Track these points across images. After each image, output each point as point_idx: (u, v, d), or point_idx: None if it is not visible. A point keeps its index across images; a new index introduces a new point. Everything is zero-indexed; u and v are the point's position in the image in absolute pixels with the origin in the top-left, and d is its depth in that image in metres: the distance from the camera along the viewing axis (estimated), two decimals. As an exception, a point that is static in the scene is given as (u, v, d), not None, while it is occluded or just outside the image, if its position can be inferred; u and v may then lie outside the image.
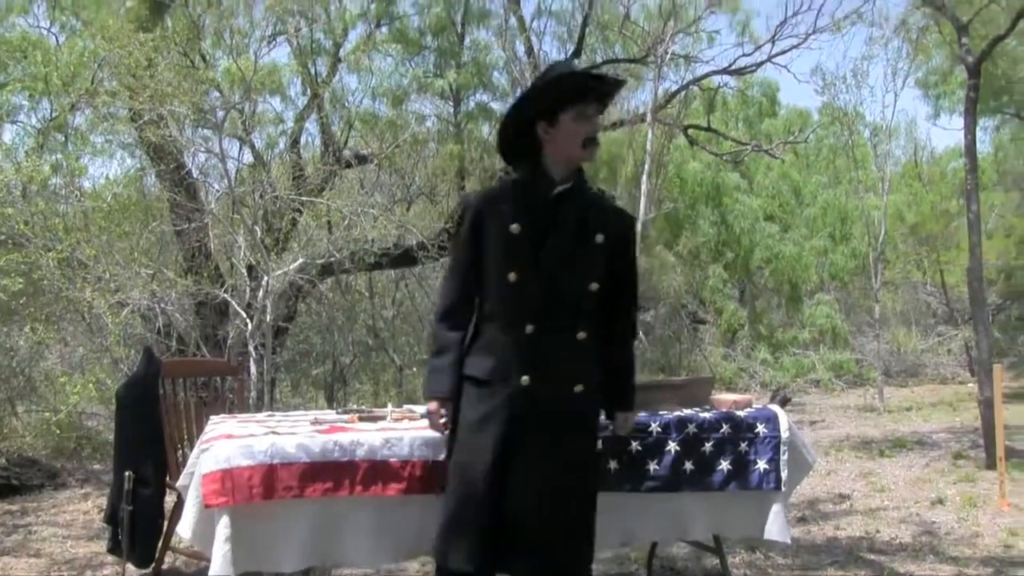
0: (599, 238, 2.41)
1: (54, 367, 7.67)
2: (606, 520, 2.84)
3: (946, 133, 42.80)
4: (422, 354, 11.61)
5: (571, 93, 2.37)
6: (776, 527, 2.98)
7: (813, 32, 8.77)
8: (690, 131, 10.99)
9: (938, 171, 17.41)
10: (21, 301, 6.18)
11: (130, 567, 3.49)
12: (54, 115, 7.84)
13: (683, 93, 10.06)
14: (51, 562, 4.21)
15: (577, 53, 10.00)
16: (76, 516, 5.32)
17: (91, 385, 6.42)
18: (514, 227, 2.37)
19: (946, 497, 5.25)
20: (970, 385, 11.72)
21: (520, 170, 2.49)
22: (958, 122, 13.97)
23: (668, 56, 8.58)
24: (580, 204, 2.43)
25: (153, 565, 3.43)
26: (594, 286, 2.41)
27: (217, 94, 7.27)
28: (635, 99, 10.59)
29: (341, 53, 9.35)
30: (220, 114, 7.03)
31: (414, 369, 11.07)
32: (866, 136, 13.02)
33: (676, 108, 10.23)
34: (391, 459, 2.63)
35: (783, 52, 9.34)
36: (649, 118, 8.35)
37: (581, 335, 2.41)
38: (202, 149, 7.92)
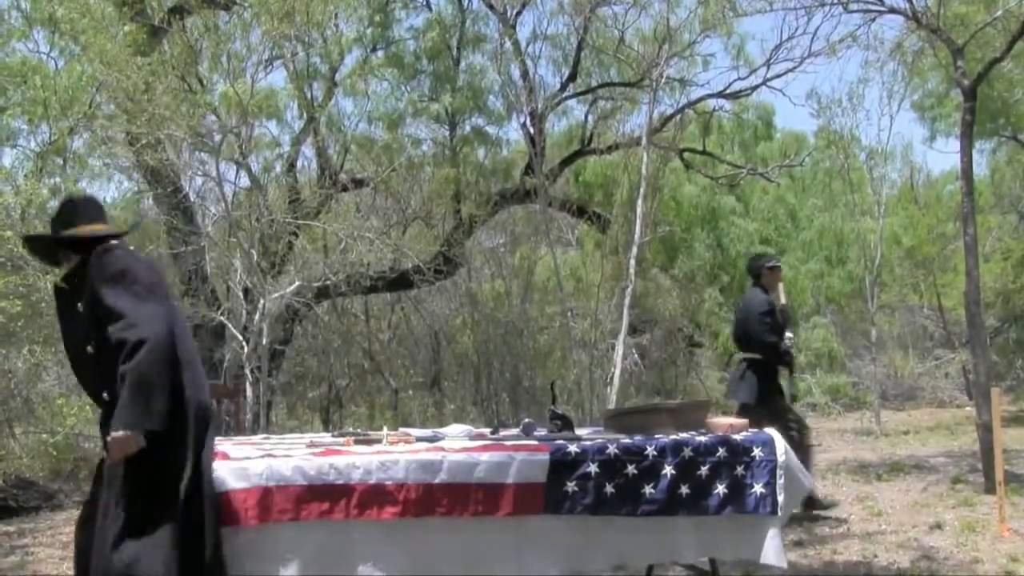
0: (80, 307, 2.69)
1: (51, 389, 7.66)
2: (600, 542, 2.83)
3: (942, 156, 43.15)
4: (417, 377, 11.59)
5: None
6: (772, 551, 2.97)
7: (808, 56, 8.85)
8: (685, 154, 11.06)
9: (934, 194, 17.50)
10: (19, 323, 6.18)
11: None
12: (53, 139, 7.88)
13: (678, 116, 10.13)
14: (47, 584, 4.17)
15: (572, 77, 10.09)
16: (73, 537, 5.30)
17: (88, 407, 6.41)
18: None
19: (944, 522, 5.21)
20: (968, 409, 11.71)
21: None
22: (954, 145, 14.08)
23: (663, 80, 8.66)
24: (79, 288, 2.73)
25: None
26: (90, 349, 2.66)
27: (214, 118, 7.31)
28: (630, 122, 10.69)
29: (337, 77, 9.42)
30: (217, 138, 7.07)
31: (410, 392, 11.05)
32: (862, 159, 13.09)
33: (671, 131, 10.30)
34: (387, 482, 2.62)
35: (778, 76, 9.46)
36: (644, 141, 8.40)
37: (106, 395, 2.61)
38: (199, 172, 7.98)
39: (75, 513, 6.05)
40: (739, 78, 9.92)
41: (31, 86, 7.50)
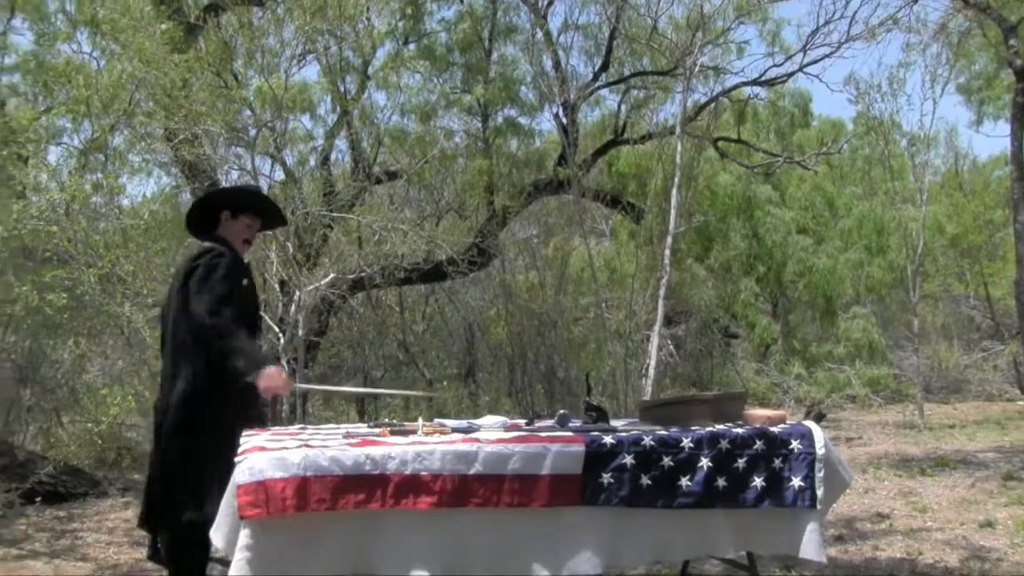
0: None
1: (95, 379, 7.84)
2: (636, 536, 2.81)
3: (989, 140, 41.95)
4: (452, 368, 11.63)
5: (250, 204, 3.38)
6: (811, 546, 2.92)
7: (847, 40, 8.64)
8: (720, 143, 10.91)
9: (981, 180, 17.04)
10: (65, 315, 6.34)
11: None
12: (95, 136, 8.04)
13: (712, 105, 10.01)
14: (97, 566, 4.43)
15: (605, 66, 10.01)
16: (118, 523, 5.45)
17: (130, 397, 6.56)
18: (245, 281, 3.24)
19: (996, 520, 4.98)
20: (1020, 403, 11.40)
21: (207, 238, 3.27)
22: (1003, 128, 13.68)
23: (697, 68, 8.53)
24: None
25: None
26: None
27: (249, 113, 7.39)
28: (664, 111, 10.58)
29: (370, 71, 9.46)
30: (252, 132, 7.14)
31: (444, 383, 11.09)
32: (903, 146, 12.80)
33: (705, 120, 10.17)
34: (422, 472, 2.63)
35: (815, 61, 9.26)
36: (678, 130, 8.30)
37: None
38: (235, 167, 8.05)
39: (119, 500, 6.20)
40: (775, 65, 9.76)
41: (75, 85, 7.66)
